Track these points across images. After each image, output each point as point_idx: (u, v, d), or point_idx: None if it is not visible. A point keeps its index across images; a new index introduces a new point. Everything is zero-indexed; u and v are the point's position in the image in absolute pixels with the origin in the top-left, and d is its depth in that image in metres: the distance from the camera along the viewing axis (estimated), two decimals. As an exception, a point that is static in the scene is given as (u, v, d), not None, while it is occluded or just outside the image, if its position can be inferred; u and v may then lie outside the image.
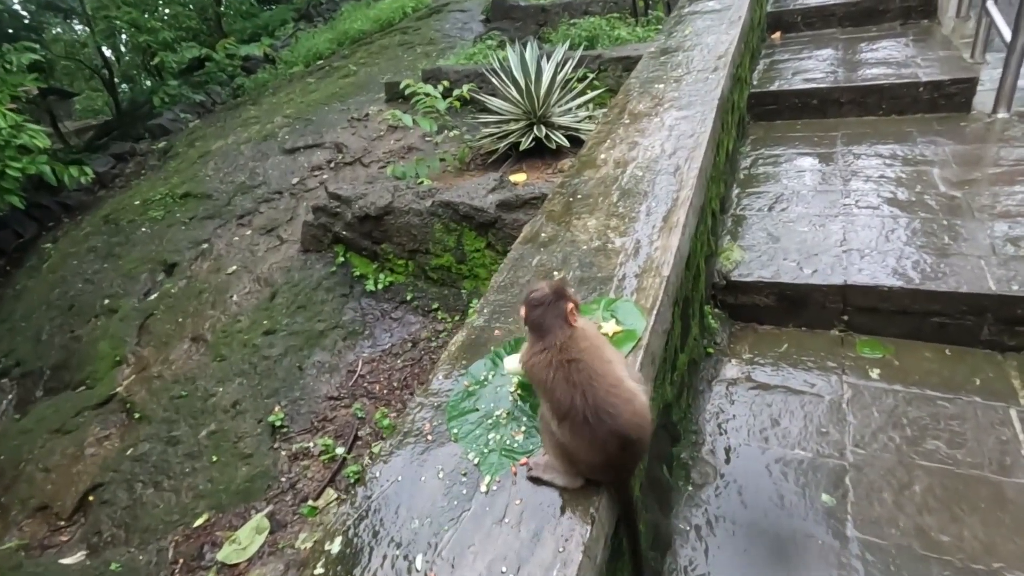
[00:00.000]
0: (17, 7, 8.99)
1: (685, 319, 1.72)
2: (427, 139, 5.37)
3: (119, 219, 6.00)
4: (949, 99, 2.85)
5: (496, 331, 1.40)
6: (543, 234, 1.73)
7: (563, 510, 0.97)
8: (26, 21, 8.86)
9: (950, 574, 1.25)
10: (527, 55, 4.42)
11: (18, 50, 6.56)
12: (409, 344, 3.45)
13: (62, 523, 3.11)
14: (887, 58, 3.28)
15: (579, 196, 1.87)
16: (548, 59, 4.55)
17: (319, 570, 1.00)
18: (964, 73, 2.85)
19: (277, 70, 10.40)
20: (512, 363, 1.15)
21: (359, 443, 2.90)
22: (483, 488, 1.03)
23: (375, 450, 2.76)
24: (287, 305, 3.92)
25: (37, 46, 7.11)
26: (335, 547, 1.04)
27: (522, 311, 0.97)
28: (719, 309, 2.09)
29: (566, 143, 4.35)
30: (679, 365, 1.67)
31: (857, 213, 2.25)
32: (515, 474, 1.04)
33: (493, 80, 4.68)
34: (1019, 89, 2.69)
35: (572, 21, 6.80)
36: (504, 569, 0.89)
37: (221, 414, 3.31)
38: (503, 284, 1.56)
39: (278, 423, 3.13)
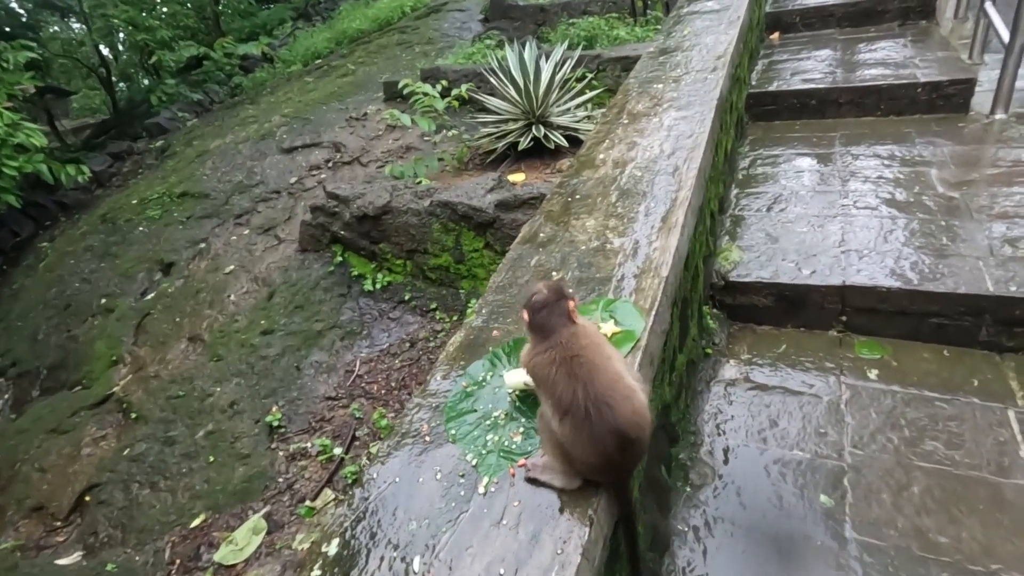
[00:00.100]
0: (14, 5, 8.96)
1: (684, 320, 1.72)
2: (425, 139, 5.36)
3: (116, 218, 5.97)
4: (947, 100, 2.85)
5: (494, 331, 1.39)
6: (541, 234, 1.72)
7: (561, 512, 0.96)
8: (23, 19, 8.83)
9: (948, 575, 1.25)
10: (526, 55, 4.42)
11: (15, 48, 6.53)
12: (407, 344, 3.44)
13: (58, 523, 3.09)
14: (885, 59, 3.29)
15: (578, 196, 1.87)
16: (547, 59, 4.55)
17: (316, 572, 0.99)
18: (962, 74, 2.85)
19: (275, 69, 10.38)
20: (512, 378, 1.15)
21: (357, 443, 2.89)
22: (481, 489, 1.03)
23: (373, 450, 2.75)
24: (285, 305, 3.91)
25: (34, 44, 7.07)
26: (332, 549, 1.03)
27: (525, 315, 0.96)
28: (717, 309, 2.09)
29: (565, 143, 4.34)
30: (677, 366, 1.67)
31: (855, 214, 2.25)
32: (513, 475, 1.04)
33: (492, 80, 4.68)
34: (1017, 90, 2.70)
35: (571, 21, 6.80)
36: (502, 571, 0.89)
37: (218, 414, 3.30)
38: (501, 284, 1.56)
39: (275, 423, 3.13)
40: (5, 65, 6.30)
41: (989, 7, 2.91)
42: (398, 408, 3.00)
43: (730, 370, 1.88)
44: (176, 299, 4.44)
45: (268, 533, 2.55)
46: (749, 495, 1.50)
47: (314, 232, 4.25)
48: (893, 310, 1.85)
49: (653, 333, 1.29)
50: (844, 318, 1.93)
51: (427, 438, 1.17)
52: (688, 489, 1.54)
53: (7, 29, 8.09)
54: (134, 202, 6.13)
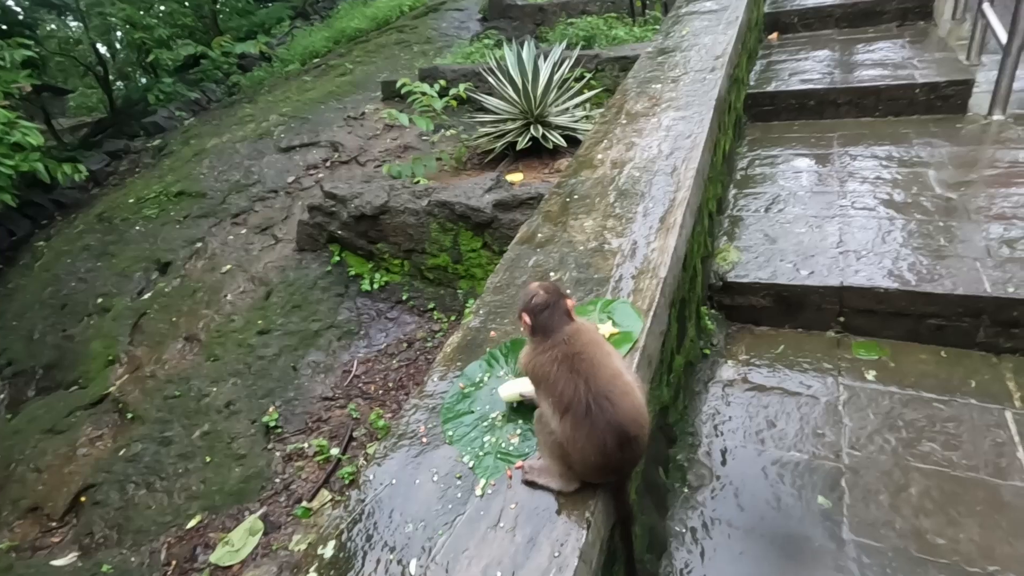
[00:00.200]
0: (11, 3, 8.91)
1: (682, 320, 1.71)
2: (424, 138, 5.35)
3: (113, 217, 5.95)
4: (945, 101, 2.85)
5: (492, 332, 1.39)
6: (540, 235, 1.72)
7: (559, 514, 0.96)
8: (20, 17, 8.78)
9: (946, 577, 1.25)
10: (524, 54, 4.41)
11: (11, 46, 6.49)
12: (404, 344, 3.43)
13: (54, 524, 3.08)
14: (884, 59, 3.29)
15: (576, 196, 1.86)
16: (545, 58, 4.54)
17: (312, 575, 0.98)
18: (960, 75, 2.86)
19: (273, 68, 10.34)
20: (507, 391, 1.15)
21: (354, 444, 2.88)
22: (478, 492, 1.02)
23: (370, 451, 2.75)
24: (282, 305, 3.90)
25: (31, 42, 7.04)
26: (328, 551, 1.03)
27: (525, 318, 0.96)
28: (716, 310, 2.09)
29: (563, 143, 4.34)
30: (675, 367, 1.67)
31: (854, 214, 2.25)
32: (511, 477, 1.03)
33: (490, 79, 4.67)
34: (1014, 91, 2.70)
35: (569, 20, 6.80)
36: (499, 574, 0.88)
37: (215, 414, 3.29)
38: (499, 285, 1.55)
39: (272, 423, 3.11)
40: (1, 63, 6.26)
41: (987, 8, 2.91)
42: (395, 408, 2.99)
43: (728, 371, 1.88)
44: (173, 299, 4.43)
45: (264, 534, 2.54)
46: (747, 496, 1.49)
47: (311, 232, 4.24)
48: (891, 311, 1.85)
49: (651, 334, 1.28)
50: (842, 319, 1.93)
51: (424, 440, 1.17)
52: (686, 490, 1.54)
53: (3, 27, 8.05)
54: (131, 201, 6.11)
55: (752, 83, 3.36)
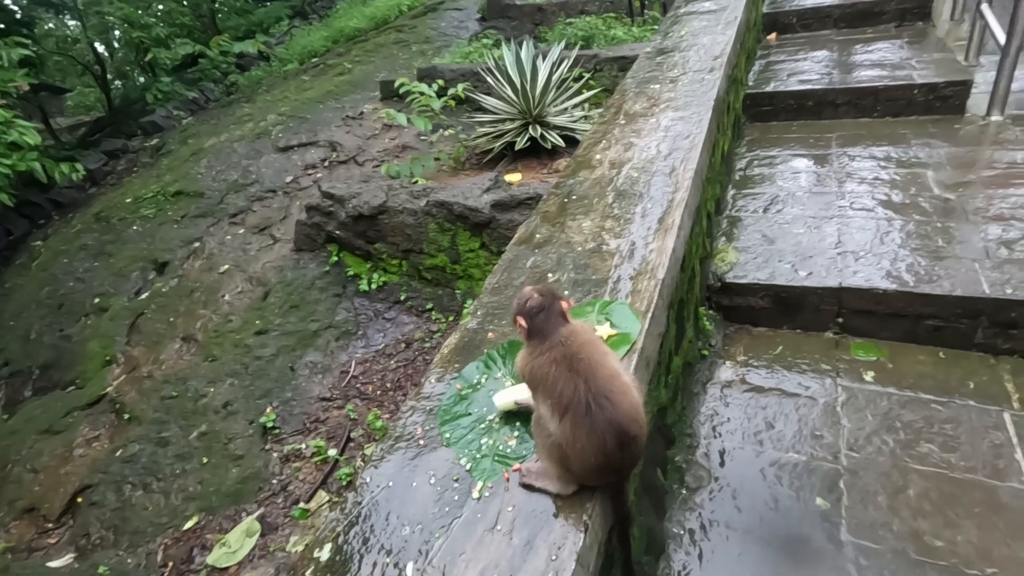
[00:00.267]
0: (8, 1, 8.87)
1: (680, 321, 1.71)
2: (422, 138, 5.34)
3: (110, 217, 5.93)
4: (943, 101, 2.85)
5: (489, 334, 1.38)
6: (538, 235, 1.71)
7: (556, 517, 0.95)
8: (17, 16, 8.75)
9: (944, 579, 1.25)
10: (523, 54, 4.40)
11: (9, 45, 6.47)
12: (402, 345, 3.43)
13: (50, 525, 3.06)
14: (882, 60, 3.29)
15: (574, 197, 1.86)
16: (544, 58, 4.54)
17: (307, 578, 0.98)
18: (958, 75, 2.86)
19: (271, 67, 10.32)
20: (502, 400, 1.14)
21: (351, 445, 2.88)
22: (475, 494, 1.02)
23: (368, 451, 2.74)
24: (280, 305, 3.89)
25: (28, 41, 7.01)
26: (324, 554, 1.02)
27: (521, 322, 0.95)
28: (714, 311, 2.09)
29: (561, 143, 4.33)
30: (674, 368, 1.66)
31: (852, 215, 2.25)
32: (508, 480, 1.03)
33: (488, 79, 4.67)
34: (1013, 92, 2.70)
35: (568, 20, 6.79)
36: (496, 578, 0.88)
37: (212, 415, 3.28)
38: (497, 286, 1.54)
39: (270, 424, 3.11)
40: (-1, 62, 6.24)
41: (985, 9, 2.91)
42: (393, 409, 2.99)
43: (726, 372, 1.87)
44: (170, 299, 4.41)
45: (262, 535, 2.53)
46: (745, 498, 1.49)
47: (309, 231, 4.23)
48: (889, 312, 1.85)
49: (649, 336, 1.28)
50: (840, 320, 1.93)
51: (421, 442, 1.16)
52: (684, 492, 1.53)
53: (1, 26, 8.01)
54: (128, 201, 6.09)
55: (751, 83, 3.36)
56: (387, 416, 2.93)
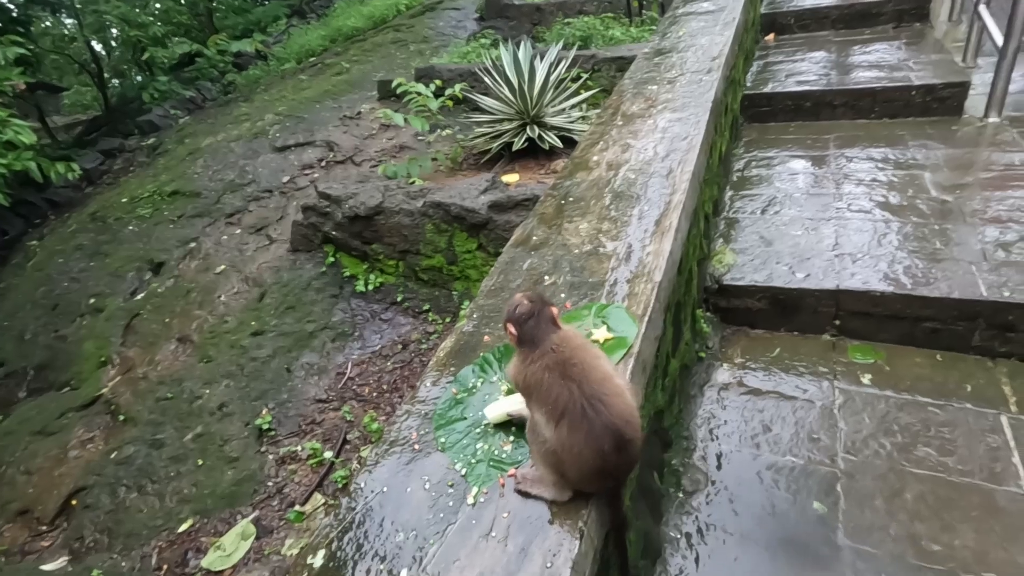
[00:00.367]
0: (4, 0, 8.82)
1: (677, 324, 1.70)
2: (419, 138, 5.33)
3: (106, 216, 5.90)
4: (941, 103, 2.85)
5: (485, 337, 1.37)
6: (534, 237, 1.70)
7: (551, 523, 0.94)
8: (13, 14, 8.70)
9: (941, 584, 1.24)
10: (520, 54, 4.39)
11: (4, 44, 6.42)
12: (399, 346, 3.41)
13: (44, 528, 3.04)
14: (880, 61, 3.29)
15: (571, 199, 1.85)
16: (542, 58, 4.53)
17: (300, 585, 0.97)
18: (956, 77, 2.86)
19: (269, 67, 10.29)
20: (494, 411, 1.14)
21: (347, 447, 2.86)
22: (470, 500, 1.01)
23: (364, 454, 2.73)
24: (276, 306, 3.87)
25: (24, 40, 6.97)
26: (318, 561, 1.01)
27: (511, 329, 0.95)
28: (711, 313, 2.08)
29: (559, 144, 4.32)
30: (671, 371, 1.66)
31: (850, 217, 2.24)
32: (503, 486, 1.02)
33: (486, 79, 4.65)
34: (1010, 93, 2.70)
35: (566, 20, 6.78)
36: (490, 586, 0.87)
37: (207, 416, 3.26)
38: (493, 288, 1.54)
39: (265, 426, 3.09)
40: (-6, 61, 6.19)
41: (983, 10, 2.91)
42: (389, 411, 2.97)
43: (723, 374, 1.87)
44: (166, 299, 4.39)
45: (257, 538, 2.52)
46: (742, 501, 1.49)
47: (306, 232, 4.21)
48: (887, 314, 1.84)
49: (646, 339, 1.27)
50: (838, 322, 1.92)
51: (416, 447, 1.15)
52: (681, 495, 1.53)
53: (-3, 24, 7.97)
54: (124, 200, 6.06)
55: (749, 84, 3.36)
56: (383, 418, 2.91)
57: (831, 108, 3.07)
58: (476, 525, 0.97)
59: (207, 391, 3.42)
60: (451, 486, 1.05)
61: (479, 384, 1.25)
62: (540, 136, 4.33)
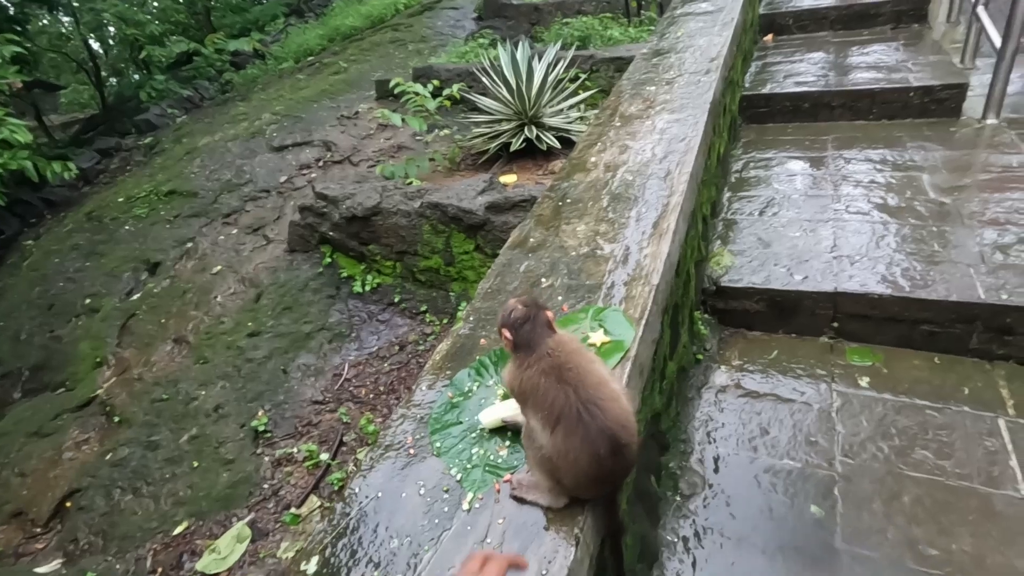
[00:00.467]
0: (0, -1, 8.78)
1: (674, 326, 1.70)
2: (417, 138, 5.31)
3: (103, 216, 5.88)
4: (939, 104, 2.85)
5: (482, 340, 1.36)
6: (532, 239, 1.69)
7: (547, 530, 0.94)
8: (10, 12, 8.65)
9: (939, 588, 1.24)
10: (518, 54, 4.38)
11: (0, 42, 6.39)
12: (396, 347, 3.40)
13: (38, 530, 3.02)
14: (878, 62, 3.29)
15: (569, 200, 1.84)
16: (540, 59, 4.52)
17: (293, 592, 0.96)
18: (954, 78, 2.86)
19: (267, 66, 10.27)
20: (488, 416, 1.13)
21: (344, 449, 2.85)
22: (465, 506, 1.00)
23: (359, 455, 2.71)
24: (272, 306, 3.85)
25: (20, 38, 6.93)
26: (312, 567, 1.00)
27: (507, 334, 0.94)
28: (709, 315, 2.07)
29: (557, 144, 4.32)
30: (668, 373, 1.65)
31: (848, 219, 2.24)
32: (498, 491, 1.01)
33: (484, 79, 4.64)
34: (1008, 95, 2.70)
35: (565, 20, 6.77)
36: (484, 594, 0.86)
37: (203, 418, 3.24)
38: (490, 291, 1.53)
39: (261, 428, 3.07)
40: (-11, 59, 6.16)
41: (981, 12, 2.91)
42: (386, 413, 2.96)
43: (721, 376, 1.86)
44: (162, 300, 4.37)
45: (252, 541, 2.50)
46: (739, 505, 1.48)
47: (303, 232, 4.20)
48: (884, 317, 1.84)
49: (643, 343, 1.26)
50: (836, 324, 1.92)
51: (411, 451, 1.14)
52: (678, 499, 1.52)
53: (-7, 22, 7.93)
54: (121, 200, 6.04)
55: (747, 85, 3.35)
56: (380, 420, 2.90)
57: (829, 109, 3.06)
58: (471, 531, 0.96)
59: (203, 392, 3.41)
60: (446, 491, 1.04)
61: (475, 388, 1.24)
62: (538, 137, 4.32)
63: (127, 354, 4.00)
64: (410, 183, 4.11)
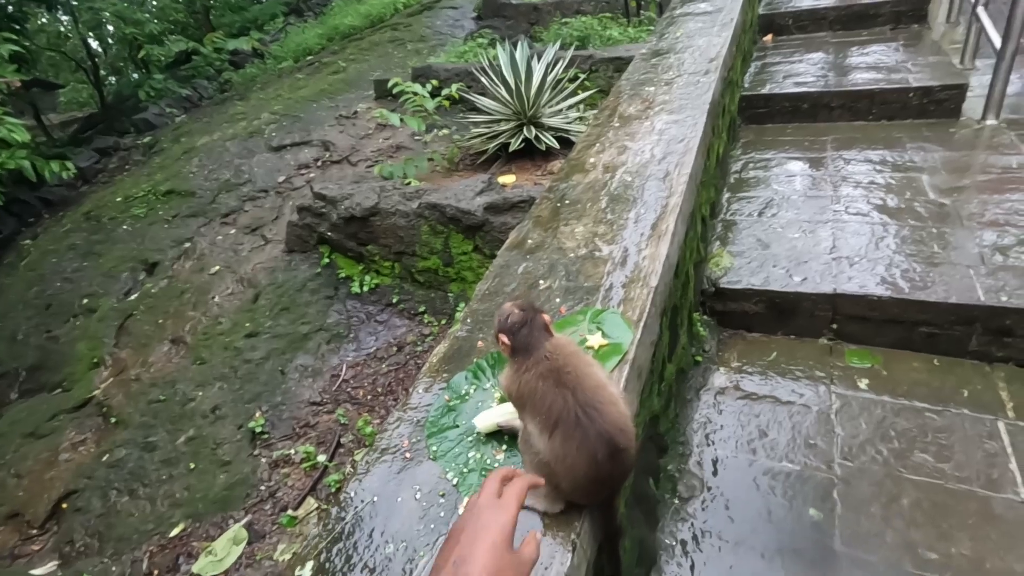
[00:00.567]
0: (-3, -3, 8.75)
1: (673, 328, 1.69)
2: (416, 138, 5.30)
3: (100, 216, 5.86)
4: (939, 105, 2.85)
5: (479, 342, 1.35)
6: (530, 240, 1.68)
7: (543, 536, 0.93)
8: (9, 10, 8.63)
9: (938, 593, 1.23)
10: (517, 54, 4.37)
11: (-2, 41, 6.37)
12: (394, 348, 3.39)
13: (34, 532, 3.01)
14: (877, 63, 3.28)
15: (567, 201, 1.83)
16: (539, 59, 4.51)
17: (287, 598, 0.95)
18: (954, 79, 2.85)
19: (266, 65, 10.26)
20: (483, 421, 1.11)
21: (341, 450, 2.84)
22: (461, 511, 0.99)
23: (357, 457, 2.70)
24: (270, 307, 3.84)
25: (18, 36, 6.91)
26: (307, 572, 0.99)
27: (504, 339, 0.92)
28: (708, 316, 2.07)
29: (556, 145, 4.31)
30: (667, 375, 1.64)
31: (847, 220, 2.23)
32: (494, 496, 1.00)
33: (483, 79, 4.63)
34: (1008, 96, 2.69)
35: (564, 20, 6.77)
36: (480, 600, 0.85)
37: (200, 419, 3.23)
38: (487, 292, 1.52)
39: (258, 429, 3.06)
40: (-14, 58, 6.14)
41: (981, 12, 2.91)
42: (384, 414, 2.95)
43: (720, 378, 1.86)
44: (160, 300, 4.36)
45: (249, 543, 2.49)
46: (738, 508, 1.47)
47: (301, 233, 4.18)
48: (884, 318, 1.83)
49: (641, 345, 1.25)
50: (835, 326, 1.91)
51: (407, 455, 1.13)
52: (676, 501, 1.51)
53: (-9, 21, 7.91)
54: (119, 199, 6.02)
55: (747, 85, 3.35)
56: (377, 421, 2.89)
57: (828, 110, 3.06)
58: (467, 536, 0.95)
59: (200, 393, 3.39)
60: (442, 496, 1.03)
61: (472, 391, 1.23)
62: (537, 137, 4.31)
63: (124, 355, 3.98)
64: (408, 183, 4.10)
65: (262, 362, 3.45)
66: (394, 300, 3.70)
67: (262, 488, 2.75)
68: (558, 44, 4.99)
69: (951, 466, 1.47)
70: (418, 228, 3.56)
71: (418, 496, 1.04)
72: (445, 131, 4.93)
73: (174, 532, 2.68)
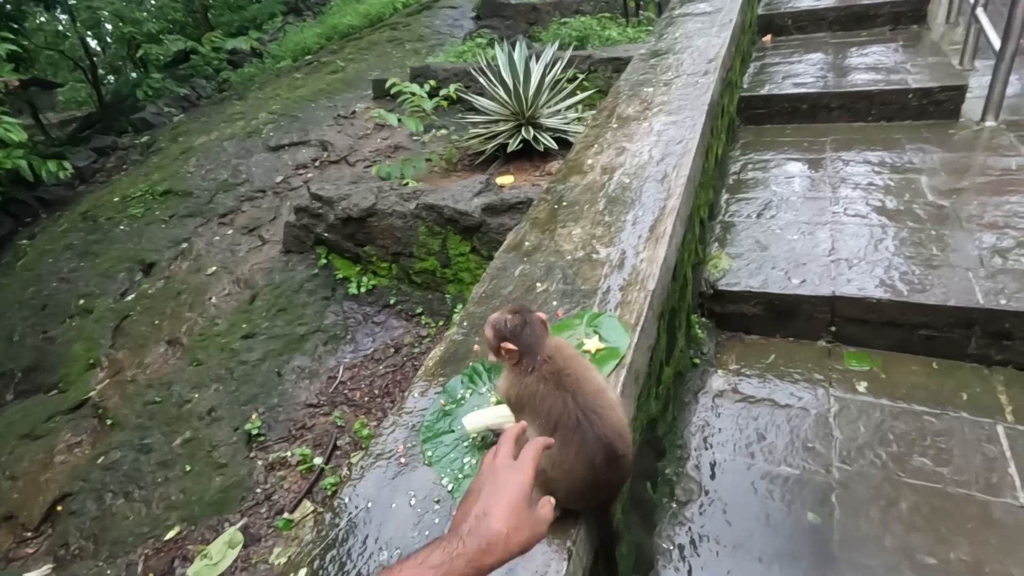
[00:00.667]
0: (-5, -4, 8.72)
1: (671, 331, 1.68)
2: (414, 138, 5.29)
3: (98, 216, 5.84)
4: (938, 106, 2.84)
5: (475, 346, 1.34)
6: (527, 242, 1.67)
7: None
8: (7, 9, 8.60)
9: (937, 598, 1.22)
10: (516, 54, 4.36)
11: (-5, 40, 6.34)
12: (392, 350, 3.38)
13: (28, 534, 2.99)
14: (877, 64, 3.27)
15: (565, 203, 1.82)
16: (537, 59, 4.50)
17: (279, 606, 0.94)
18: (953, 80, 2.84)
19: (264, 65, 10.24)
20: (473, 422, 1.10)
21: (338, 453, 2.82)
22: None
23: (353, 460, 2.69)
24: (267, 308, 3.82)
25: (16, 36, 6.89)
26: (299, 579, 0.98)
27: (509, 346, 0.89)
28: (706, 318, 2.06)
29: (554, 145, 4.30)
30: (664, 379, 1.63)
31: (846, 221, 2.22)
32: (489, 502, 0.99)
33: (481, 80, 4.62)
34: (1008, 97, 2.69)
35: (563, 20, 6.76)
36: (474, 609, 0.83)
37: (196, 421, 3.21)
38: (484, 295, 1.50)
39: (255, 431, 3.05)
40: (-16, 57, 6.11)
41: (980, 13, 2.90)
42: (381, 416, 2.94)
43: (718, 381, 1.84)
44: (156, 300, 4.34)
45: (244, 546, 2.48)
46: (735, 512, 1.46)
47: (298, 233, 4.17)
48: (883, 321, 1.82)
49: (639, 349, 1.24)
50: (833, 328, 1.90)
51: (402, 460, 1.12)
52: (674, 505, 1.50)
53: (-11, 20, 7.87)
54: (116, 199, 6.00)
55: (746, 86, 3.34)
56: (374, 424, 2.88)
57: (827, 111, 3.05)
58: (461, 544, 0.93)
59: (196, 395, 3.38)
60: (437, 502, 1.02)
61: (468, 395, 1.22)
62: (535, 137, 4.30)
63: (120, 356, 3.96)
64: (406, 184, 4.09)
65: (258, 363, 3.43)
66: (391, 301, 3.69)
67: (258, 491, 2.74)
68: (557, 44, 4.98)
69: (950, 470, 1.46)
70: (416, 229, 3.55)
71: (412, 502, 1.03)
72: (443, 131, 4.92)
73: (169, 535, 2.66)
